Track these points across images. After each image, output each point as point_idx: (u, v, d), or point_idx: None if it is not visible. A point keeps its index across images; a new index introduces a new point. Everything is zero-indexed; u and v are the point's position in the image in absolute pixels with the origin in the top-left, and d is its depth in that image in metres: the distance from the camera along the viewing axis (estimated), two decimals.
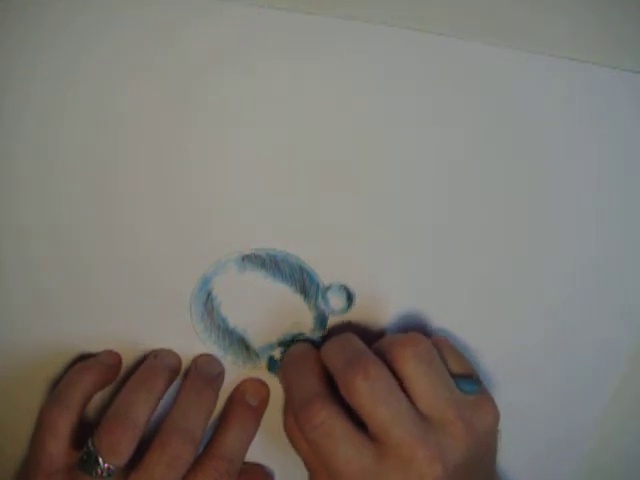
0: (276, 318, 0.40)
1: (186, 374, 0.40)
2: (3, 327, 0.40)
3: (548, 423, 0.43)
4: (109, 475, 0.36)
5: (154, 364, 0.39)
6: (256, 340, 0.41)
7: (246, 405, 0.41)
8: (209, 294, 0.40)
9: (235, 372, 0.41)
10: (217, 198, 0.39)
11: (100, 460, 0.36)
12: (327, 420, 0.35)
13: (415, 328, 0.40)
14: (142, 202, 0.39)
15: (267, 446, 0.42)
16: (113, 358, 0.40)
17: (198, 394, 0.39)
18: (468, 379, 0.37)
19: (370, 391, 0.34)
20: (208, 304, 0.40)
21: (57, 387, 0.39)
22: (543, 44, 0.37)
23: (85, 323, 0.40)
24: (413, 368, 0.35)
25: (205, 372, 0.40)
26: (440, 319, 0.41)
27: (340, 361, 0.36)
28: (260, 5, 0.36)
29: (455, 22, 0.37)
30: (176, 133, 0.38)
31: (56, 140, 0.38)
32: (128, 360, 0.41)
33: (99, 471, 0.36)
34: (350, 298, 0.40)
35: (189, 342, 0.41)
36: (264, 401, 0.41)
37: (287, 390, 0.39)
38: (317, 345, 0.40)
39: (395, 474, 0.34)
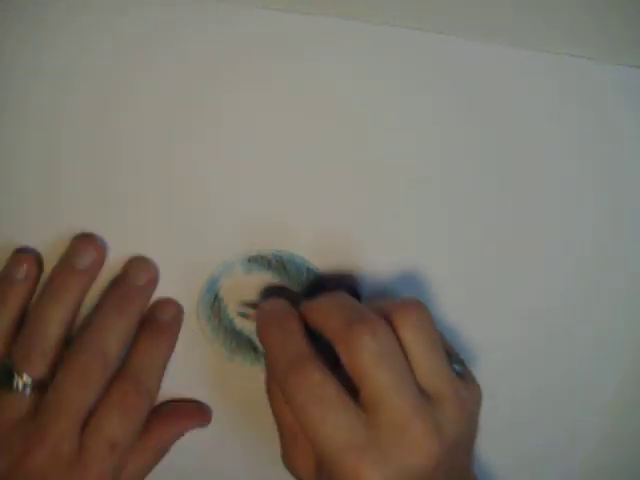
0: None
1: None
2: None
3: (549, 420, 0.43)
4: (25, 387, 0.36)
5: (66, 269, 0.38)
6: None
7: (155, 322, 0.39)
8: (216, 295, 0.40)
9: (243, 373, 0.41)
10: (221, 199, 0.39)
11: (15, 373, 0.36)
12: (318, 384, 0.32)
13: None
14: (146, 204, 0.38)
15: (262, 446, 0.42)
16: (26, 265, 0.38)
17: (116, 308, 0.38)
18: (454, 358, 0.36)
19: (377, 351, 0.32)
20: (215, 305, 0.40)
21: None
22: (542, 41, 0.37)
23: None
24: (416, 336, 0.34)
25: (130, 284, 0.38)
26: (442, 317, 0.41)
27: (339, 318, 0.34)
28: (260, 6, 0.36)
29: (455, 21, 0.37)
30: (179, 133, 0.38)
31: (57, 140, 0.38)
32: None
33: (15, 385, 0.36)
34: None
35: (197, 343, 0.41)
36: (176, 318, 0.40)
37: (269, 351, 0.36)
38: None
39: (388, 446, 0.32)
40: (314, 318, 0.35)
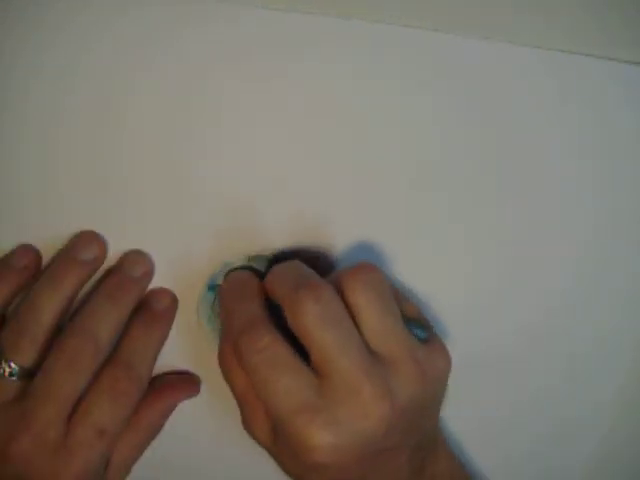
0: None
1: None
2: None
3: (549, 420, 0.43)
4: (12, 375, 0.36)
5: (65, 259, 0.38)
6: None
7: (149, 311, 0.39)
8: (216, 296, 0.40)
9: None
10: (222, 199, 0.39)
11: (2, 359, 0.36)
12: (270, 345, 0.33)
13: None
14: (146, 204, 0.39)
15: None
16: (27, 258, 0.38)
17: (109, 297, 0.37)
18: (418, 323, 0.36)
19: (320, 315, 0.32)
20: (215, 305, 0.40)
21: None
22: (542, 38, 0.37)
23: None
24: (364, 297, 0.34)
25: (125, 275, 0.38)
26: (444, 317, 0.41)
27: (288, 284, 0.34)
28: (260, 6, 0.36)
29: (454, 20, 0.37)
30: (179, 133, 0.38)
31: (57, 140, 0.37)
32: None
33: (2, 370, 0.36)
34: None
35: (198, 344, 0.41)
36: (171, 306, 0.39)
37: (226, 316, 0.36)
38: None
39: (339, 408, 0.32)
40: (268, 286, 0.36)
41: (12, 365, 0.36)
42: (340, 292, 0.34)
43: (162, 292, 0.40)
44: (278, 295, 0.35)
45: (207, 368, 0.41)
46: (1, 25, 0.36)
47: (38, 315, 0.36)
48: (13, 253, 0.38)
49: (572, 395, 0.43)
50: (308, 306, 0.33)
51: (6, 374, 0.36)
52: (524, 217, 0.40)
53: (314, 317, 0.32)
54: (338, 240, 0.40)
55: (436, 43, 0.37)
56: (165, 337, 0.39)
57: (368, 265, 0.35)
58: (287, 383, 0.33)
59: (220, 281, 0.39)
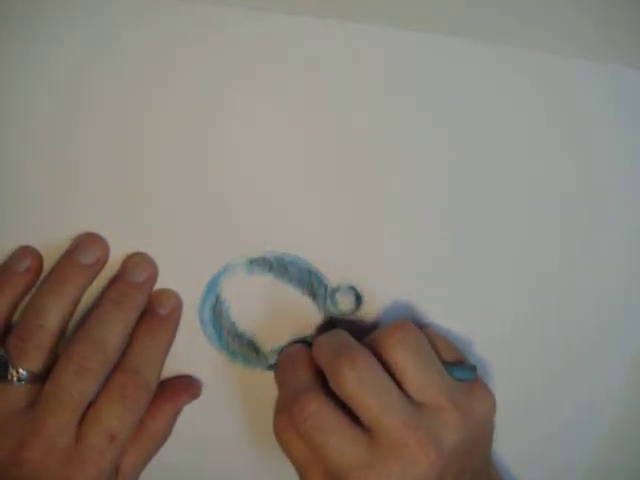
0: (285, 321, 0.40)
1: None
2: None
3: (549, 420, 0.43)
4: (20, 380, 0.36)
5: (68, 262, 0.38)
6: (265, 343, 0.41)
7: (154, 316, 0.39)
8: (217, 298, 0.40)
9: (245, 374, 0.41)
10: (223, 200, 0.39)
11: (9, 365, 0.36)
12: (318, 411, 0.35)
13: (424, 327, 0.39)
14: (147, 205, 0.38)
15: (264, 448, 0.42)
16: (28, 260, 0.38)
17: (115, 303, 0.38)
18: (461, 367, 0.38)
19: (357, 380, 0.35)
20: (217, 308, 0.40)
21: None
22: (541, 40, 0.37)
23: None
24: (401, 354, 0.36)
25: (129, 280, 0.38)
26: (447, 318, 0.41)
27: (328, 354, 0.36)
28: (260, 7, 0.36)
29: (454, 21, 0.37)
30: (181, 135, 0.38)
31: (62, 142, 0.37)
32: None
33: (10, 376, 0.36)
34: (359, 299, 0.40)
35: (198, 346, 0.41)
36: (175, 309, 0.40)
37: (280, 388, 0.39)
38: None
39: (389, 463, 0.34)
40: (314, 355, 0.38)
41: (20, 371, 0.36)
42: (378, 352, 0.36)
43: (167, 295, 0.40)
44: (321, 364, 0.37)
45: (207, 370, 0.41)
46: (12, 23, 0.36)
47: (42, 320, 0.37)
48: (13, 257, 0.38)
49: (572, 395, 0.43)
50: (346, 372, 0.35)
51: (14, 380, 0.36)
52: (525, 217, 0.40)
53: (353, 382, 0.35)
54: (337, 240, 0.39)
55: (435, 44, 0.37)
56: (171, 341, 0.39)
57: (400, 323, 0.37)
58: (338, 444, 0.35)
59: (221, 283, 0.40)
